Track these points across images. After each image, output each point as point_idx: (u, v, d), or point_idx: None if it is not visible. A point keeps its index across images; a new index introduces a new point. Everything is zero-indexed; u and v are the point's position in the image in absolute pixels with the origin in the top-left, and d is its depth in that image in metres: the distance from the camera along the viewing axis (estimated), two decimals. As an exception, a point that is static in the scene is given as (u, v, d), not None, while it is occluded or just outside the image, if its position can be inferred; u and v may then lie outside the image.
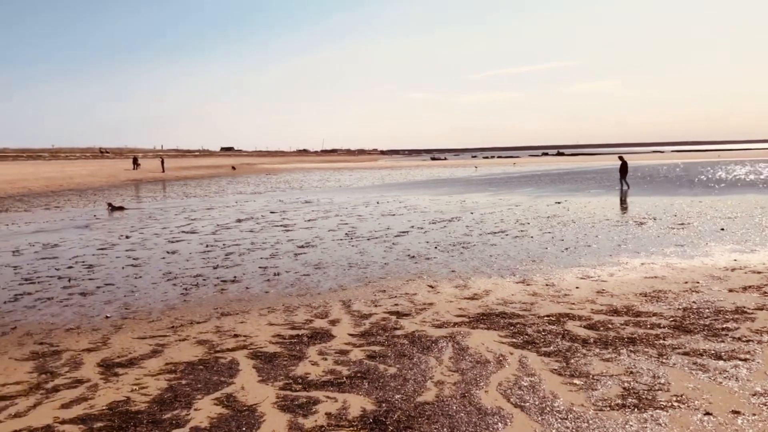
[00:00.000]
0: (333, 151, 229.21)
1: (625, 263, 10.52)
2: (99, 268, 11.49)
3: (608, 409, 4.73)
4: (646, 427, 4.42)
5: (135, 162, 65.41)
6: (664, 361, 5.71)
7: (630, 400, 4.88)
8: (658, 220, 16.25)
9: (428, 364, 5.84)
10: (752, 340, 6.20)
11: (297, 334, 6.95)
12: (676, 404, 4.76)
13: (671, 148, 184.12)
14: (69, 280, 10.37)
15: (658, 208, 19.56)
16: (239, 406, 5.02)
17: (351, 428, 4.55)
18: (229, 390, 5.35)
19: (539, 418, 4.61)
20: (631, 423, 4.49)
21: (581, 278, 9.44)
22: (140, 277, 10.58)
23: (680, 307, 7.57)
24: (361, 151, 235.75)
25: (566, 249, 12.16)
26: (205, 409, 4.96)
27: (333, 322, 7.40)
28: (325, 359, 6.08)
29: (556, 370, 5.58)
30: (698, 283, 8.84)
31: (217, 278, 10.27)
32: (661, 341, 6.27)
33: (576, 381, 5.31)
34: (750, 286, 8.49)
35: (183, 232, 16.65)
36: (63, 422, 4.79)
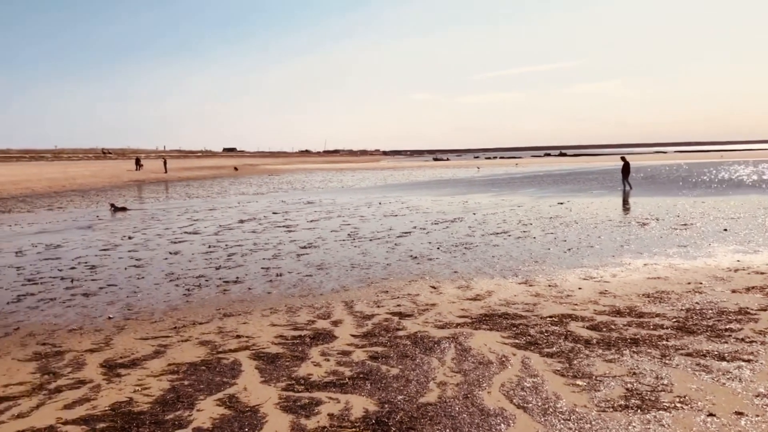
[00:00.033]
0: (335, 152, 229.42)
1: (628, 264, 10.50)
2: (102, 268, 11.52)
3: (611, 410, 4.72)
4: (649, 428, 4.41)
5: (138, 163, 65.59)
6: (667, 362, 5.69)
7: (633, 401, 4.87)
8: (661, 221, 16.21)
9: (431, 365, 5.83)
10: (755, 341, 6.18)
11: (299, 335, 6.95)
12: (679, 405, 4.75)
13: (673, 149, 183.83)
14: (72, 281, 10.39)
15: (661, 208, 19.52)
16: (242, 406, 5.02)
17: (353, 429, 4.55)
18: (231, 391, 5.36)
19: (542, 419, 4.60)
20: (634, 424, 4.48)
21: (584, 279, 9.42)
22: (143, 277, 10.59)
23: (683, 307, 7.55)
24: (364, 152, 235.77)
25: (569, 250, 12.14)
26: (208, 410, 4.96)
27: (335, 323, 7.40)
28: (328, 360, 6.08)
29: (558, 371, 5.57)
30: (701, 283, 8.82)
31: (220, 279, 10.28)
32: (664, 342, 6.25)
33: (579, 382, 5.30)
34: (753, 287, 8.46)
35: (185, 232, 16.67)
36: (66, 423, 4.80)
